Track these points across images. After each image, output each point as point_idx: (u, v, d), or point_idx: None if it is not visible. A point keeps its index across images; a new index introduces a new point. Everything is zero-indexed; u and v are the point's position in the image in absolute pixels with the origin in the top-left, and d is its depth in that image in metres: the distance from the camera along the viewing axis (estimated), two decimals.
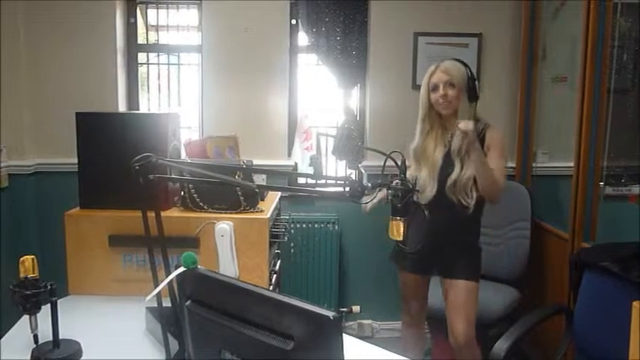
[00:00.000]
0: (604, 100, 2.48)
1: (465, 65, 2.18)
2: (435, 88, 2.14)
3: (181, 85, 3.44)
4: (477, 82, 2.16)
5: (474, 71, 2.35)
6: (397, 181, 1.22)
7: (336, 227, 3.27)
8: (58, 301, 1.33)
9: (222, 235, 1.72)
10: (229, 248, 1.73)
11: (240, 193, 1.78)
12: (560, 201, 3.00)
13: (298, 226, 3.24)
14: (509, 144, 3.04)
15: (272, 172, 1.54)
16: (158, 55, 3.41)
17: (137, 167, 1.20)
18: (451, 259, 2.22)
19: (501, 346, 1.82)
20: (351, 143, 3.21)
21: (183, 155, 2.10)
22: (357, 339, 1.59)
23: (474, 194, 2.13)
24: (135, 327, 1.56)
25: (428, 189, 2.16)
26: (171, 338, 1.29)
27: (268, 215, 1.83)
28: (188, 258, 1.08)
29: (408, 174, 2.16)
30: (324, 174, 3.52)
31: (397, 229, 1.25)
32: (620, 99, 2.90)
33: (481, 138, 2.14)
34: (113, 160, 1.68)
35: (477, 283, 2.22)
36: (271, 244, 1.89)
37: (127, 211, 1.73)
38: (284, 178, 3.22)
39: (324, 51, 3.24)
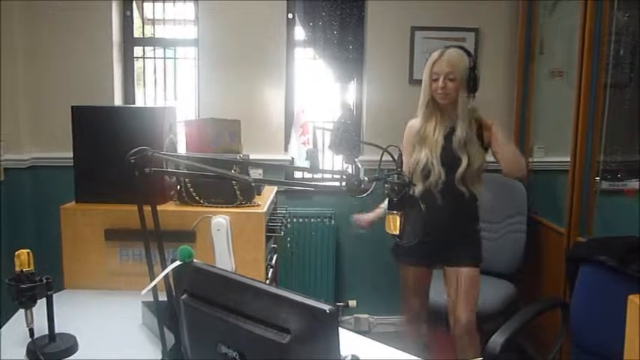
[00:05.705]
0: (601, 94, 2.49)
1: (469, 54, 2.17)
2: (436, 78, 2.13)
3: (177, 79, 3.42)
4: (477, 73, 2.16)
5: None
6: (394, 175, 1.22)
7: (333, 222, 3.27)
8: (54, 295, 1.33)
9: (219, 230, 1.72)
10: (226, 242, 1.72)
11: (236, 187, 1.78)
12: (556, 195, 3.01)
13: (295, 220, 3.23)
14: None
15: (269, 166, 1.54)
16: (154, 49, 3.40)
17: (133, 160, 1.20)
18: (455, 247, 2.25)
19: (497, 340, 1.82)
20: (348, 137, 3.22)
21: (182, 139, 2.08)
22: (354, 333, 1.59)
23: (481, 183, 2.23)
24: (131, 321, 1.55)
25: (434, 173, 2.16)
26: (167, 332, 1.29)
27: (265, 209, 1.83)
28: (184, 252, 1.08)
29: (412, 157, 2.18)
30: (320, 168, 3.52)
31: (394, 223, 1.24)
32: (617, 94, 2.89)
33: (477, 127, 2.18)
34: (109, 154, 1.68)
35: (479, 268, 2.27)
36: (268, 238, 1.89)
37: (123, 205, 1.71)
38: (281, 173, 3.22)
39: (320, 45, 3.23)
